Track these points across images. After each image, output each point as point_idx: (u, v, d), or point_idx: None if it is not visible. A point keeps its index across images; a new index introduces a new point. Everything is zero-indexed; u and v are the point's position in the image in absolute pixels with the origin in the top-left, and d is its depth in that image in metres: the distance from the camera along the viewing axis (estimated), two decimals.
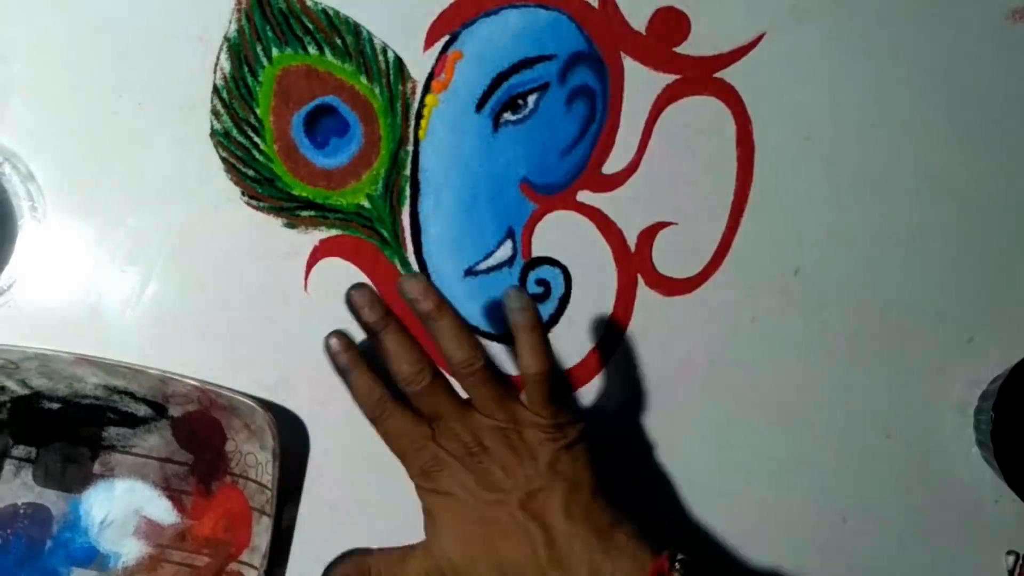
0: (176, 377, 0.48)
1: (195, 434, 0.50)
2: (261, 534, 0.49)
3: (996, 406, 0.50)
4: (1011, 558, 0.52)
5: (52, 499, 0.50)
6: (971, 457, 0.53)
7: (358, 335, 0.52)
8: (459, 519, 0.45)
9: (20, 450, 0.50)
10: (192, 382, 0.48)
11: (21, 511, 0.50)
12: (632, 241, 0.54)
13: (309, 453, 0.52)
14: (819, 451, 0.53)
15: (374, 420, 0.47)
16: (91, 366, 0.49)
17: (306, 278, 0.53)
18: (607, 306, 0.54)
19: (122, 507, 0.50)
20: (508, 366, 0.53)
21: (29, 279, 0.52)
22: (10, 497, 0.50)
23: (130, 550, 0.50)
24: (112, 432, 0.50)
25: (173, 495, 0.50)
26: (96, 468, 0.50)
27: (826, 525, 0.53)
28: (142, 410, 0.50)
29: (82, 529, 0.50)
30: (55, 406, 0.50)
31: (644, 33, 0.54)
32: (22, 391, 0.50)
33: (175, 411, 0.50)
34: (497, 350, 0.53)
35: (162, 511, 0.50)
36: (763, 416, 0.53)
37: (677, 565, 0.43)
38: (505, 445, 0.45)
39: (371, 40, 0.53)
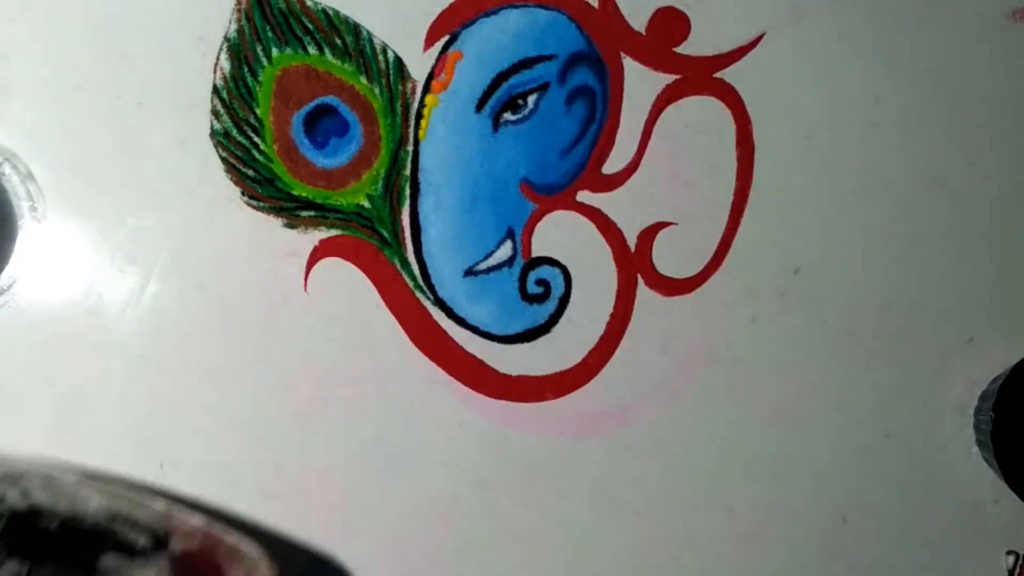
0: (180, 516, 0.47)
1: (194, 575, 0.48)
2: None
3: (996, 406, 0.50)
4: (1011, 558, 0.52)
5: None
6: (971, 457, 0.53)
7: (357, 334, 0.52)
8: None
9: (11, 565, 0.47)
10: (196, 521, 0.47)
11: None
12: (632, 241, 0.54)
13: None
14: (819, 451, 0.53)
15: None
16: (95, 489, 0.47)
17: (306, 278, 0.53)
18: (607, 306, 0.54)
19: None
20: (510, 366, 0.53)
21: (29, 279, 0.52)
22: None
23: None
24: (110, 560, 0.47)
25: None
26: None
27: (826, 525, 0.53)
28: (142, 540, 0.48)
29: None
30: (54, 525, 0.47)
31: (644, 33, 0.54)
32: (21, 504, 0.47)
33: (176, 547, 0.48)
34: (500, 351, 0.53)
35: None
36: (763, 416, 0.53)
37: None
38: None
39: (371, 40, 0.53)
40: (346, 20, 0.53)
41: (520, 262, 0.54)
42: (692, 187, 0.54)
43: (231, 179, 0.53)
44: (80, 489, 0.48)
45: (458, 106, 0.53)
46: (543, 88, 0.54)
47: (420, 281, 0.53)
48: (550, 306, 0.54)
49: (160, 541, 0.48)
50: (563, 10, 0.54)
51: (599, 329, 0.54)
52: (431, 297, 0.53)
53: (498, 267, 0.54)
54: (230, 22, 0.53)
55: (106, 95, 0.52)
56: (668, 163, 0.54)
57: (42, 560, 0.48)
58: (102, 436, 0.53)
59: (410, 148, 0.53)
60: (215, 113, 0.53)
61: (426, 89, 0.53)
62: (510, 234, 0.54)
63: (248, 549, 0.47)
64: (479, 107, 0.54)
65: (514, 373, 0.53)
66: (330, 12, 0.53)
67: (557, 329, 0.54)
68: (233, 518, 0.52)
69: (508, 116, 0.54)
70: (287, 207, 0.53)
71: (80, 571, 0.48)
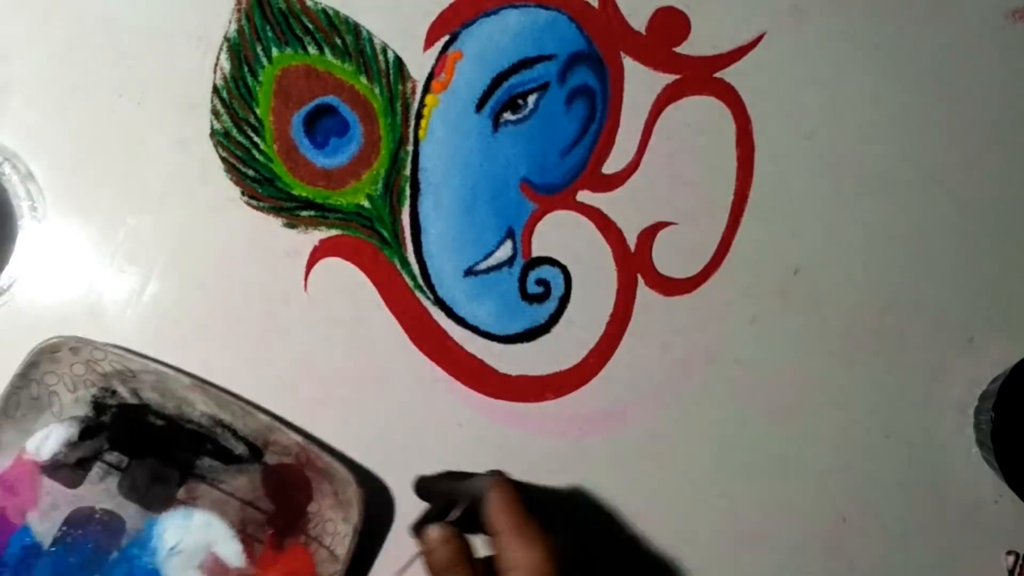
0: (283, 428, 0.49)
1: (284, 486, 0.50)
2: None
3: (996, 406, 0.50)
4: (1011, 558, 0.52)
5: (130, 512, 0.50)
6: (971, 457, 0.53)
7: (357, 334, 0.52)
8: None
9: (113, 456, 0.50)
10: (296, 437, 0.49)
11: (97, 516, 0.50)
12: (632, 241, 0.54)
13: (390, 531, 0.51)
14: (819, 451, 0.53)
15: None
16: (204, 394, 0.49)
17: (306, 278, 0.53)
18: (607, 306, 0.54)
19: (195, 539, 0.50)
20: (510, 366, 0.53)
21: (29, 279, 0.52)
22: (90, 499, 0.50)
23: None
24: (205, 462, 0.50)
25: (246, 540, 0.50)
26: (180, 493, 0.50)
27: (826, 525, 0.53)
28: (240, 448, 0.50)
29: (151, 549, 0.50)
30: (159, 423, 0.50)
31: (644, 33, 0.54)
32: (131, 399, 0.50)
33: (271, 459, 0.50)
34: (500, 351, 0.53)
35: (231, 553, 0.50)
36: (763, 416, 0.53)
37: None
38: None
39: (371, 40, 0.53)
40: (346, 20, 0.53)
41: (520, 262, 0.54)
42: (692, 187, 0.54)
43: (231, 179, 0.53)
44: (189, 393, 0.50)
45: (458, 106, 0.53)
46: (543, 88, 0.54)
47: (420, 281, 0.53)
48: (550, 306, 0.54)
49: (257, 451, 0.50)
50: (563, 10, 0.54)
51: (599, 329, 0.54)
52: (431, 297, 0.53)
53: (498, 267, 0.54)
54: (230, 22, 0.53)
55: (106, 95, 0.52)
56: (668, 163, 0.54)
57: (143, 455, 0.50)
58: None
59: (410, 148, 0.53)
60: (215, 113, 0.53)
61: (426, 89, 0.53)
62: (510, 234, 0.54)
63: (340, 469, 0.48)
64: (479, 107, 0.54)
65: (514, 373, 0.53)
66: (330, 12, 0.53)
67: (557, 329, 0.53)
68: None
69: (508, 116, 0.54)
70: (287, 207, 0.53)
71: (176, 470, 0.50)
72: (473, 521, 0.43)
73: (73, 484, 0.50)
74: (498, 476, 0.44)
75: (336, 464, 0.48)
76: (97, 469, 0.50)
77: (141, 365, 0.49)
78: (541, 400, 0.53)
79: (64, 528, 0.49)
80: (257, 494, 0.50)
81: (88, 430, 0.50)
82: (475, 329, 0.53)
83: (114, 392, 0.50)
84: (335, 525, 0.49)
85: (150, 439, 0.50)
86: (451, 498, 0.44)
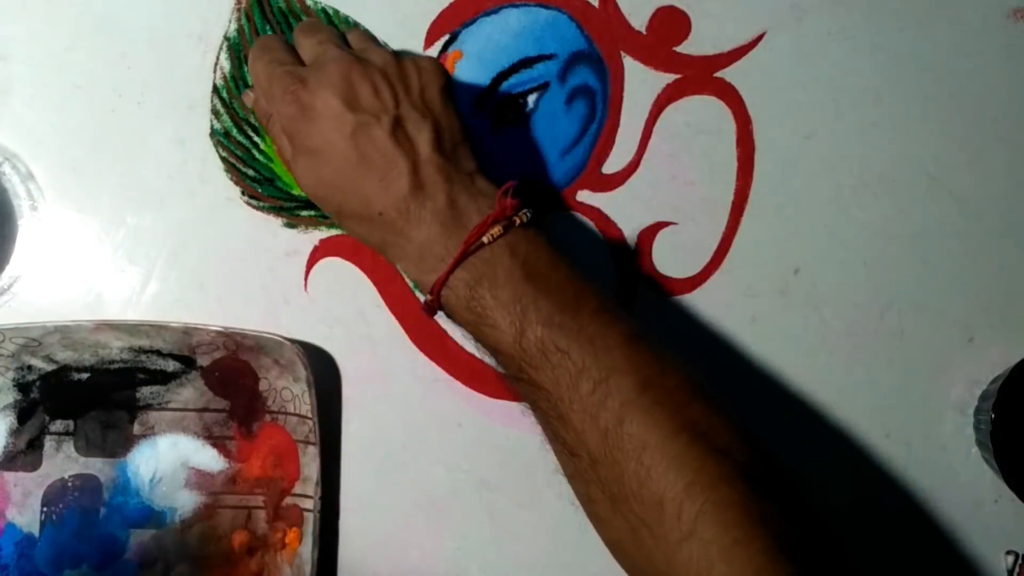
0: (199, 326, 0.49)
1: (227, 379, 0.51)
2: (310, 464, 0.49)
3: (996, 406, 0.50)
4: (1011, 558, 0.53)
5: (98, 467, 0.50)
6: (971, 457, 0.53)
7: (357, 335, 0.52)
8: (322, 149, 0.44)
9: (58, 425, 0.50)
10: (215, 328, 0.49)
11: (69, 484, 0.50)
12: (632, 241, 0.54)
13: (341, 378, 0.52)
14: (819, 451, 0.53)
15: (257, 51, 0.47)
16: (113, 330, 0.49)
17: (306, 278, 0.53)
18: None
19: (169, 462, 0.51)
20: None
21: (29, 279, 0.52)
22: (56, 472, 0.50)
23: (184, 503, 0.50)
24: (145, 392, 0.51)
25: (217, 442, 0.51)
26: (136, 429, 0.51)
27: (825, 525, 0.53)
28: (171, 365, 0.51)
29: (133, 490, 0.50)
30: (84, 376, 0.50)
31: (644, 32, 0.54)
32: (49, 367, 0.50)
33: (203, 360, 0.51)
34: None
35: (209, 460, 0.51)
36: (763, 416, 0.53)
37: (523, 212, 0.43)
38: (381, 67, 0.45)
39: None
40: (346, 19, 0.53)
41: None
42: (692, 187, 0.54)
43: (231, 179, 0.53)
44: (98, 336, 0.50)
45: (458, 105, 0.53)
46: (543, 88, 0.54)
47: None
48: None
49: (188, 360, 0.51)
50: (563, 9, 0.54)
51: None
52: None
53: None
54: (230, 21, 0.53)
55: (106, 95, 0.52)
56: (668, 163, 0.54)
57: (85, 411, 0.50)
58: None
59: None
60: (215, 113, 0.53)
61: None
62: None
63: (269, 338, 0.49)
64: (479, 106, 0.54)
65: None
66: (330, 11, 0.53)
67: None
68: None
69: (508, 116, 0.54)
70: (287, 207, 0.53)
71: (122, 410, 0.51)
72: None
73: (34, 467, 0.50)
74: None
75: (263, 335, 0.49)
76: (49, 443, 0.50)
77: (40, 330, 0.48)
78: None
79: (45, 509, 0.50)
80: (207, 397, 0.51)
81: (24, 412, 0.50)
82: None
83: (30, 367, 0.50)
84: (290, 391, 0.50)
85: (84, 394, 0.51)
86: None
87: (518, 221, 0.43)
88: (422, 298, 0.45)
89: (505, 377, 0.44)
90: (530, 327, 0.41)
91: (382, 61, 0.45)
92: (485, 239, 0.42)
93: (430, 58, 0.47)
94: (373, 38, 0.50)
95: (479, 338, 0.43)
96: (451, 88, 0.47)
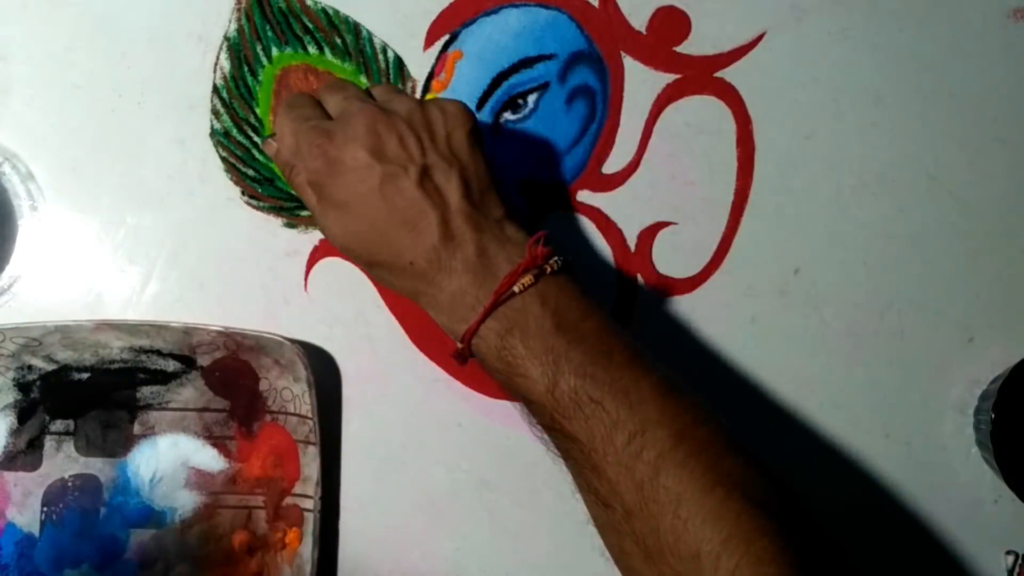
0: (199, 326, 0.49)
1: (227, 379, 0.51)
2: (310, 464, 0.49)
3: (996, 406, 0.50)
4: (1010, 558, 0.53)
5: (98, 467, 0.50)
6: (971, 457, 0.53)
7: (357, 335, 0.52)
8: (351, 201, 0.44)
9: (58, 424, 0.50)
10: (216, 328, 0.49)
11: (69, 484, 0.50)
12: (632, 241, 0.54)
13: (341, 378, 0.52)
14: (819, 451, 0.53)
15: (285, 108, 0.47)
16: (113, 330, 0.49)
17: (306, 278, 0.53)
18: (607, 306, 0.54)
19: (169, 462, 0.51)
20: None
21: (29, 279, 0.52)
22: (56, 472, 0.50)
23: (184, 502, 0.50)
24: (145, 391, 0.51)
25: (217, 442, 0.51)
26: (136, 429, 0.51)
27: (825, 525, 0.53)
28: (171, 365, 0.51)
29: (133, 490, 0.50)
30: (84, 376, 0.50)
31: (644, 32, 0.54)
32: (49, 366, 0.50)
33: (203, 360, 0.51)
34: None
35: (209, 459, 0.51)
36: (763, 416, 0.53)
37: (554, 260, 0.43)
38: (406, 116, 0.45)
39: (371, 39, 0.53)
40: (346, 19, 0.53)
41: None
42: (692, 187, 0.54)
43: (231, 179, 0.53)
44: (99, 335, 0.50)
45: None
46: (543, 87, 0.54)
47: None
48: None
49: (188, 360, 0.51)
50: (563, 9, 0.54)
51: None
52: None
53: None
54: (230, 21, 0.53)
55: (106, 95, 0.52)
56: (668, 163, 0.54)
57: (85, 411, 0.50)
58: None
59: None
60: (215, 113, 0.53)
61: (426, 88, 0.53)
62: None
63: (269, 338, 0.49)
64: (479, 106, 0.54)
65: None
66: (330, 11, 0.53)
67: None
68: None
69: (508, 116, 0.54)
70: (287, 207, 0.53)
71: (122, 410, 0.51)
72: None
73: (34, 466, 0.50)
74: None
75: (264, 335, 0.49)
76: (50, 443, 0.50)
77: (41, 330, 0.49)
78: None
79: (45, 509, 0.50)
80: (207, 397, 0.51)
81: (24, 412, 0.50)
82: None
83: (30, 367, 0.50)
84: (290, 391, 0.50)
85: (85, 394, 0.51)
86: None
87: (548, 269, 0.43)
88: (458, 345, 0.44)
89: (536, 426, 0.43)
90: (563, 378, 0.41)
91: (407, 110, 0.45)
92: (516, 288, 0.42)
93: (456, 102, 0.46)
94: (397, 89, 0.50)
95: (510, 388, 0.43)
96: (478, 132, 0.46)
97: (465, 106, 0.46)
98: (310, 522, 0.49)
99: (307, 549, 0.49)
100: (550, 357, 0.41)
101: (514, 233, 0.44)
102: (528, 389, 0.41)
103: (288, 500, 0.50)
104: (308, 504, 0.49)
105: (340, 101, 0.47)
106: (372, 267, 0.46)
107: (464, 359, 0.44)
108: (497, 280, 0.42)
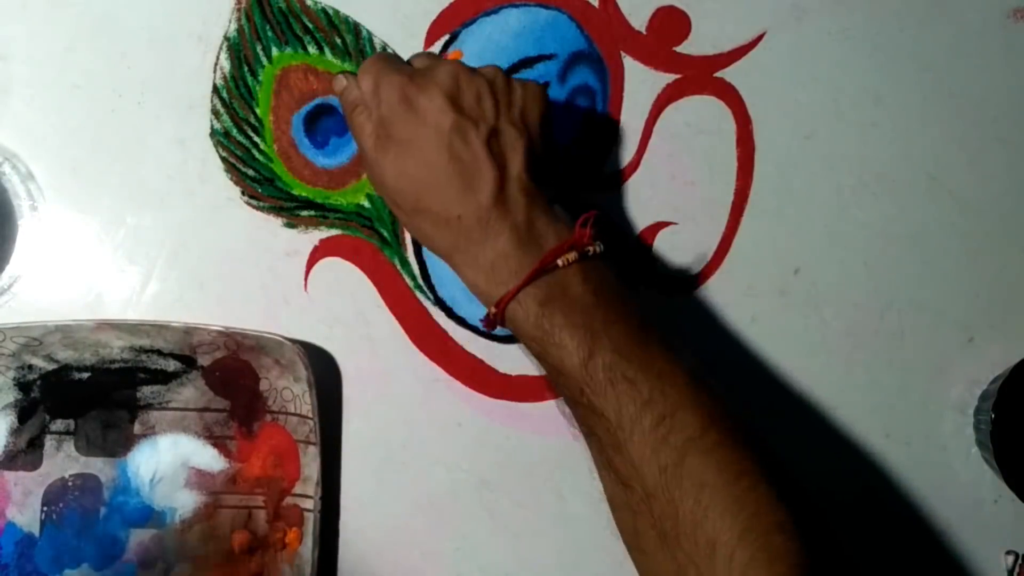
0: (199, 326, 0.49)
1: (228, 379, 0.51)
2: (310, 464, 0.50)
3: (996, 406, 0.50)
4: (1010, 558, 0.53)
5: (99, 466, 0.50)
6: (971, 457, 0.53)
7: (357, 335, 0.52)
8: (414, 141, 0.44)
9: (58, 424, 0.50)
10: (216, 328, 0.49)
11: (70, 483, 0.50)
12: (632, 241, 0.54)
13: (342, 378, 0.52)
14: (819, 451, 0.53)
15: (374, 57, 0.47)
16: (114, 330, 0.49)
17: (306, 278, 0.53)
18: None
19: (169, 462, 0.51)
20: (510, 366, 0.53)
21: (29, 279, 0.52)
22: (57, 472, 0.50)
23: (184, 502, 0.51)
24: (146, 391, 0.51)
25: (217, 442, 0.51)
26: (136, 429, 0.51)
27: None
28: (171, 365, 0.51)
29: (133, 490, 0.50)
30: (85, 375, 0.50)
31: (644, 32, 0.54)
32: (49, 366, 0.50)
33: (204, 360, 0.51)
34: (500, 351, 0.53)
35: (209, 459, 0.51)
36: (763, 416, 0.53)
37: (597, 244, 0.43)
38: (490, 78, 0.45)
39: (371, 39, 0.53)
40: (346, 19, 0.53)
41: None
42: (692, 187, 0.54)
43: (231, 179, 0.53)
44: (99, 335, 0.50)
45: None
46: (543, 87, 0.54)
47: (420, 281, 0.53)
48: None
49: (188, 360, 0.51)
50: (563, 9, 0.54)
51: None
52: (431, 297, 0.53)
53: None
54: (230, 21, 0.53)
55: (106, 95, 0.52)
56: (668, 163, 0.54)
57: (85, 410, 0.50)
58: None
59: None
60: (215, 113, 0.53)
61: None
62: None
63: (269, 338, 0.49)
64: None
65: (514, 373, 0.53)
66: (330, 11, 0.53)
67: None
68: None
69: None
70: (287, 207, 0.53)
71: (123, 410, 0.51)
72: None
73: (34, 466, 0.50)
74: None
75: (264, 335, 0.49)
76: (50, 442, 0.50)
77: (41, 329, 0.48)
78: (541, 400, 0.53)
79: (45, 509, 0.50)
80: (207, 397, 0.51)
81: (25, 411, 0.50)
82: (475, 329, 0.53)
83: (30, 366, 0.50)
84: (291, 391, 0.50)
85: (85, 394, 0.51)
86: None
87: (591, 251, 0.43)
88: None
89: (561, 399, 0.44)
90: (600, 352, 0.41)
91: (491, 73, 0.46)
92: (560, 262, 0.42)
93: (537, 83, 0.47)
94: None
95: (542, 356, 0.43)
96: (550, 115, 0.47)
97: (544, 88, 0.47)
98: (310, 522, 0.49)
99: (307, 549, 0.49)
100: (588, 331, 0.41)
101: (562, 214, 0.45)
102: (562, 360, 0.41)
103: (288, 500, 0.50)
104: (308, 504, 0.49)
105: (427, 59, 0.47)
106: (415, 214, 0.45)
107: (494, 324, 0.44)
108: (542, 251, 0.43)
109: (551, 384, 0.44)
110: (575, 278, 0.42)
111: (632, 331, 0.42)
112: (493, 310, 0.43)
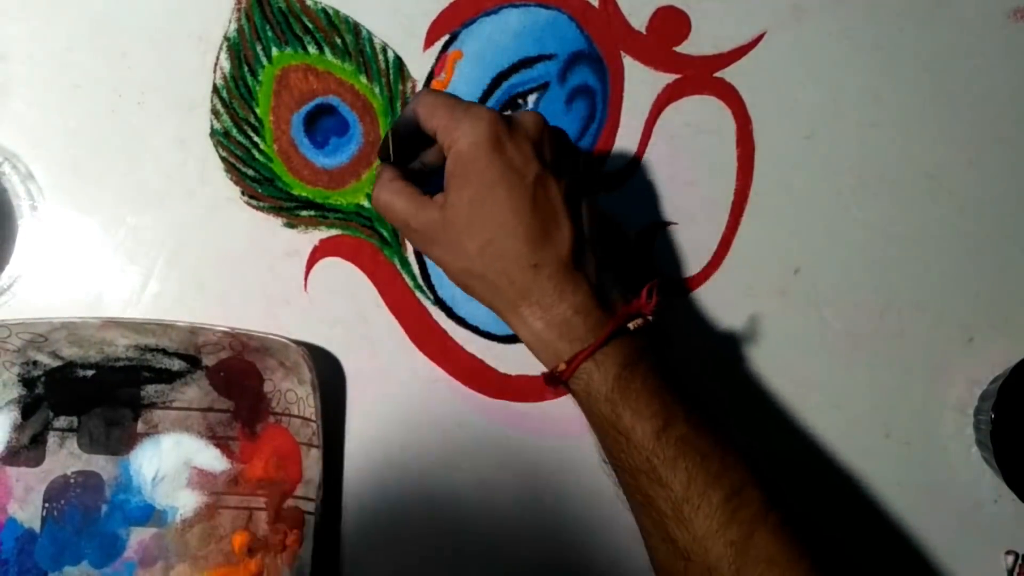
0: (205, 326, 0.49)
1: (232, 380, 0.51)
2: (312, 466, 0.50)
3: (996, 406, 0.50)
4: (1010, 558, 0.53)
5: (101, 464, 0.51)
6: (971, 457, 0.53)
7: (357, 335, 0.52)
8: (498, 181, 0.43)
9: (62, 421, 0.50)
10: (221, 328, 0.49)
11: (72, 480, 0.50)
12: (632, 241, 0.54)
13: (346, 382, 0.52)
14: (819, 451, 0.53)
15: None
16: (119, 328, 0.49)
17: (306, 278, 0.53)
18: None
19: (171, 461, 0.51)
20: (510, 366, 0.53)
21: (29, 278, 0.52)
22: (59, 469, 0.50)
23: (186, 502, 0.51)
24: (150, 390, 0.51)
25: (220, 442, 0.51)
26: (140, 427, 0.51)
27: (826, 525, 0.53)
28: (176, 364, 0.51)
29: (135, 489, 0.50)
30: (89, 373, 0.51)
31: (644, 32, 0.54)
32: (54, 363, 0.50)
33: (209, 360, 0.51)
34: (500, 351, 0.53)
35: (211, 459, 0.51)
36: (763, 416, 0.53)
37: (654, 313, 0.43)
38: (561, 136, 0.46)
39: (371, 39, 0.53)
40: (346, 19, 0.53)
41: None
42: (692, 187, 0.54)
43: (231, 179, 0.53)
44: (104, 333, 0.50)
45: None
46: (543, 88, 0.54)
47: (420, 281, 0.53)
48: None
49: (193, 359, 0.51)
50: (563, 9, 0.54)
51: None
52: (431, 297, 0.53)
53: None
54: (230, 21, 0.53)
55: (106, 95, 0.52)
56: (668, 163, 0.54)
57: (89, 408, 0.50)
58: None
59: None
60: (215, 113, 0.53)
61: (426, 88, 0.53)
62: None
63: (275, 340, 0.49)
64: None
65: (514, 373, 0.53)
66: (330, 11, 0.53)
67: None
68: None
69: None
70: (287, 207, 0.53)
71: (126, 408, 0.51)
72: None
73: (37, 462, 0.50)
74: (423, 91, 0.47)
75: (269, 337, 0.49)
76: (53, 439, 0.50)
77: (47, 326, 0.49)
78: (541, 400, 0.53)
79: (47, 505, 0.50)
80: (211, 397, 0.51)
81: (28, 407, 0.50)
82: (475, 329, 0.53)
83: (35, 363, 0.50)
84: (294, 393, 0.50)
85: (89, 391, 0.51)
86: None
87: (651, 319, 0.43)
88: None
89: (610, 465, 0.44)
90: (676, 423, 0.41)
91: (562, 133, 0.47)
92: (630, 326, 0.42)
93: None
94: None
95: (612, 419, 0.42)
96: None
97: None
98: (310, 525, 0.49)
99: (307, 552, 0.49)
100: (663, 402, 0.42)
101: (618, 276, 0.45)
102: (634, 426, 0.41)
103: (289, 502, 0.50)
104: (309, 507, 0.49)
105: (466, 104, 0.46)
106: (484, 256, 0.43)
107: (560, 382, 0.43)
108: (614, 312, 0.43)
109: (607, 447, 0.43)
110: (643, 344, 0.43)
111: (700, 405, 0.42)
112: (563, 366, 0.42)
